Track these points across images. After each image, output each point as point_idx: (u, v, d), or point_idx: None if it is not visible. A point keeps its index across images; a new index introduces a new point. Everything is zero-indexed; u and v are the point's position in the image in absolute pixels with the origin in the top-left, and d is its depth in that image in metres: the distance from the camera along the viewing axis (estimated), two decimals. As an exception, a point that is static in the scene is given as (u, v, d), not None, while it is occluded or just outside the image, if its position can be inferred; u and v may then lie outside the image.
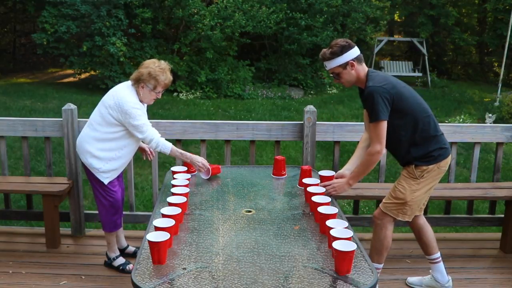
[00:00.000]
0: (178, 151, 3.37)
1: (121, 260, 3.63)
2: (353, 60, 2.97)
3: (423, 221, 3.32)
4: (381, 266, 3.24)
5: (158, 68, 3.30)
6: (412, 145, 3.02)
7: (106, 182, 3.42)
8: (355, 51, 2.99)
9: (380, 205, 3.19)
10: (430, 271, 3.41)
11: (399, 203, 3.10)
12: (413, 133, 3.00)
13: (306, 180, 3.07)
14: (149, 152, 3.68)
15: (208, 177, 3.37)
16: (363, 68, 3.02)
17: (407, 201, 3.07)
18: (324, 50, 3.03)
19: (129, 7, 13.15)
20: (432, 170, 3.05)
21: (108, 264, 3.65)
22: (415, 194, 3.07)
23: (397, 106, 2.93)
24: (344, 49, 2.96)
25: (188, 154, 3.38)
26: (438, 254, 3.34)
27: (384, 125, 2.91)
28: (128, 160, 3.51)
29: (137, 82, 3.32)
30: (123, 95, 3.30)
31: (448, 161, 3.12)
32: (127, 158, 3.47)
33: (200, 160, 3.36)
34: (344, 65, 2.98)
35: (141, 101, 3.35)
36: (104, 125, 3.31)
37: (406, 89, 3.02)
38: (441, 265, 3.35)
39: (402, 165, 3.16)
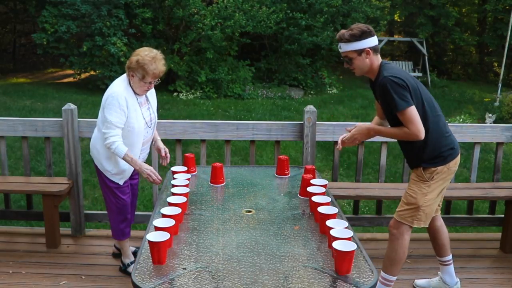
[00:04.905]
0: (129, 157, 3.20)
1: None
2: (370, 48, 2.85)
3: (440, 223, 3.25)
4: (394, 278, 3.11)
5: (148, 56, 3.11)
6: (423, 145, 2.90)
7: (121, 182, 3.38)
8: (374, 40, 2.87)
9: (394, 214, 3.08)
10: (439, 272, 3.37)
11: (412, 209, 2.99)
12: (424, 132, 2.85)
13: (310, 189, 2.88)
14: (163, 156, 3.50)
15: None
16: (377, 59, 2.92)
17: (419, 206, 2.97)
18: (343, 31, 2.90)
19: (129, 7, 13.15)
20: (441, 172, 2.96)
21: (123, 270, 3.60)
22: (427, 198, 2.97)
23: None
24: (364, 34, 2.83)
25: (138, 162, 3.25)
26: (450, 257, 3.29)
27: (411, 110, 2.76)
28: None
29: (128, 70, 3.19)
30: (113, 84, 3.23)
31: (457, 161, 3.04)
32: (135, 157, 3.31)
33: (148, 168, 3.23)
34: (360, 52, 2.85)
35: (134, 91, 3.24)
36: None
37: (419, 85, 2.93)
38: (451, 267, 3.30)
39: (412, 167, 3.06)
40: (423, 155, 2.95)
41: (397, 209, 3.09)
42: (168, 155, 3.51)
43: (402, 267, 3.66)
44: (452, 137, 3.03)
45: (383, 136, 3.07)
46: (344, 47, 2.89)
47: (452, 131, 3.98)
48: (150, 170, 3.23)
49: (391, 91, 2.76)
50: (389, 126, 3.07)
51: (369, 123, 3.14)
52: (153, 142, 3.59)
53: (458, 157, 3.05)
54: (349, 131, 3.09)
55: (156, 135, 3.61)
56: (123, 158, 3.21)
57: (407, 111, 2.77)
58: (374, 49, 2.89)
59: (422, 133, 2.80)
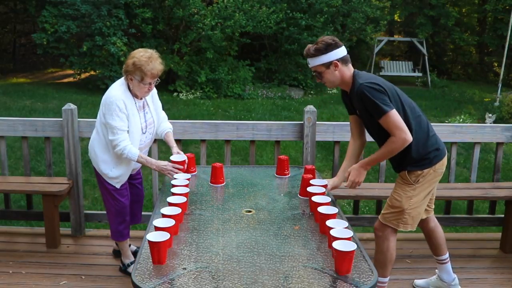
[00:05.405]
0: (143, 158, 3.20)
1: None
2: (337, 60, 2.82)
3: (434, 224, 3.24)
4: (386, 279, 3.11)
5: (143, 57, 3.05)
6: (407, 147, 2.80)
7: (118, 186, 3.36)
8: (341, 51, 2.82)
9: (379, 216, 3.07)
10: (436, 271, 3.38)
11: (396, 212, 2.97)
12: (410, 135, 2.82)
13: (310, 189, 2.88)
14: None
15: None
16: (348, 69, 2.87)
17: (404, 209, 2.94)
18: (309, 45, 2.86)
19: (129, 7, 13.15)
20: (427, 174, 2.92)
21: (123, 270, 3.61)
22: (412, 201, 2.94)
23: None
24: (330, 47, 2.79)
25: (153, 160, 3.24)
26: (447, 255, 3.29)
27: (394, 114, 2.71)
28: (134, 163, 3.35)
29: (125, 74, 3.14)
30: (111, 88, 3.18)
31: (444, 163, 2.99)
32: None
33: (166, 164, 3.18)
34: (328, 65, 2.81)
35: (135, 95, 3.21)
36: (103, 126, 3.24)
37: (396, 88, 2.91)
38: (448, 265, 3.31)
39: (397, 170, 3.02)
40: (408, 157, 2.89)
41: (382, 211, 3.07)
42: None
43: (402, 267, 3.68)
44: (436, 137, 2.98)
45: (377, 162, 3.01)
46: (312, 62, 2.86)
47: (452, 131, 4.05)
48: (169, 165, 3.18)
49: (371, 97, 2.73)
50: (373, 139, 3.08)
51: (356, 164, 3.06)
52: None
53: (445, 159, 2.99)
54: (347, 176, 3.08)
55: (172, 145, 3.43)
56: (137, 161, 3.20)
57: (389, 114, 2.72)
58: (342, 60, 2.84)
59: (409, 136, 2.76)
